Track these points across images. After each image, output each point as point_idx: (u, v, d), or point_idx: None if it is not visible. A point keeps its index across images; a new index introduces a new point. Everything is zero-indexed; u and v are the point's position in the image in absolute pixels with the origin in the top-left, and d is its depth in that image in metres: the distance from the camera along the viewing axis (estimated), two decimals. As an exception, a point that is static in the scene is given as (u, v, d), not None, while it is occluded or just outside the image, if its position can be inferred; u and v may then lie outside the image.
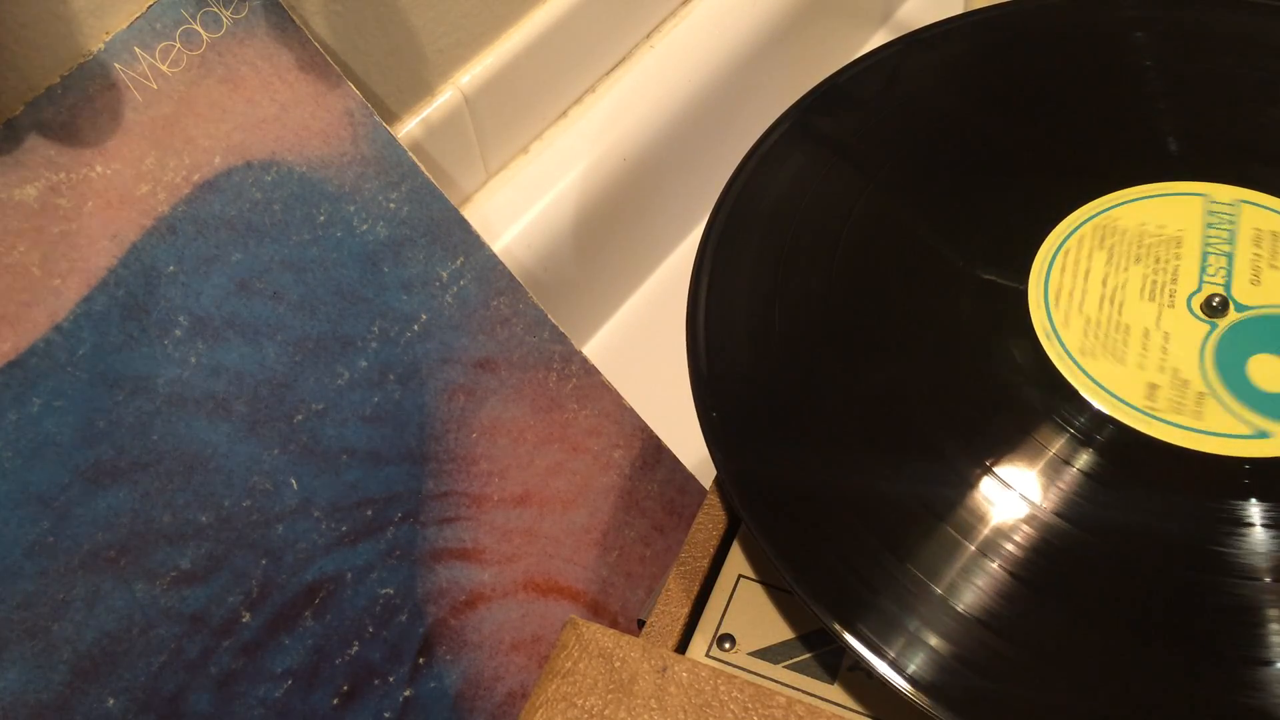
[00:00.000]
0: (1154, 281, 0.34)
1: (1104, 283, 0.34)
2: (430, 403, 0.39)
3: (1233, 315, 0.34)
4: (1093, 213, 0.37)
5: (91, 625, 0.32)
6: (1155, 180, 0.38)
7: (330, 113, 0.38)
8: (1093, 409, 0.32)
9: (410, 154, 0.40)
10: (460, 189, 0.48)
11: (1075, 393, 0.33)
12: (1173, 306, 0.34)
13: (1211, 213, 0.36)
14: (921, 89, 0.42)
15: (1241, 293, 0.34)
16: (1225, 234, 0.35)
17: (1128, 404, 0.32)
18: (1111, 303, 0.34)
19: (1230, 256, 0.35)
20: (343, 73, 0.39)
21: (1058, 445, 0.32)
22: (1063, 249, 0.35)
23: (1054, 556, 0.30)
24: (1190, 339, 0.33)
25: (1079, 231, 0.36)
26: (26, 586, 0.31)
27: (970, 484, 0.31)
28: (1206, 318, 0.34)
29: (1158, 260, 0.34)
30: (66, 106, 0.33)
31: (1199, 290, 0.34)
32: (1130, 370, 0.33)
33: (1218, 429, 0.31)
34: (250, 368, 0.35)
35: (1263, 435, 0.31)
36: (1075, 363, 0.33)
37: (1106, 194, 0.37)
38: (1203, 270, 0.35)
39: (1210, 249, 0.35)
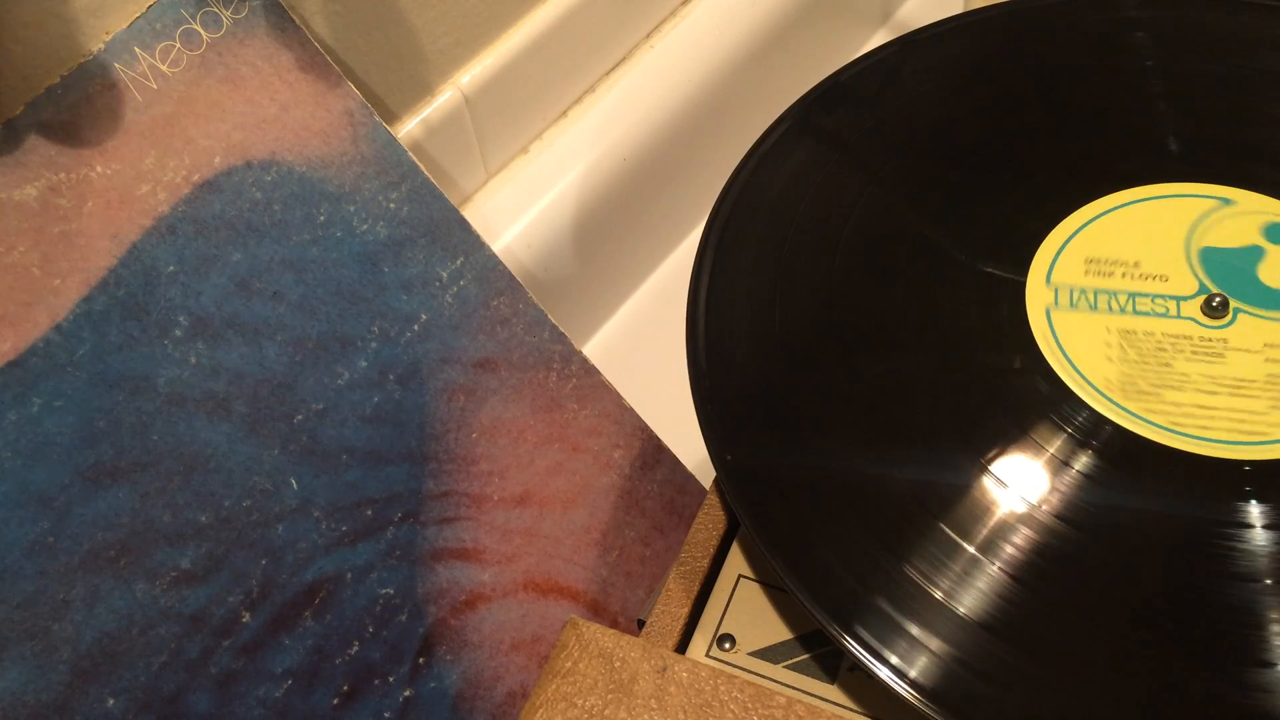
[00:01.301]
0: (1197, 353, 0.33)
1: (1214, 389, 0.33)
2: (430, 403, 0.39)
3: (1227, 296, 0.34)
4: (1093, 214, 0.37)
5: (91, 625, 0.32)
6: (1155, 180, 0.38)
7: (330, 113, 0.38)
8: (1091, 410, 0.32)
9: (410, 154, 0.40)
10: (460, 189, 0.48)
11: (1074, 394, 0.33)
12: (1226, 340, 0.33)
13: (1075, 305, 0.35)
14: (921, 88, 0.42)
15: (1184, 289, 0.35)
16: (1105, 295, 0.35)
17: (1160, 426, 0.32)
18: (1242, 384, 0.32)
19: (1137, 294, 0.35)
20: (343, 73, 0.39)
21: (1057, 445, 0.32)
22: (1052, 275, 0.35)
23: (1053, 557, 0.30)
24: (1264, 326, 0.33)
25: (1065, 252, 0.35)
26: (26, 586, 0.31)
27: (970, 484, 0.31)
28: (1227, 317, 0.34)
29: (1164, 350, 0.33)
30: (66, 106, 0.33)
31: (1193, 320, 0.34)
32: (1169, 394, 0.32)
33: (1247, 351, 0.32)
34: (250, 368, 0.35)
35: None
36: (1106, 397, 0.32)
37: (1107, 194, 0.37)
38: (1164, 316, 0.34)
39: (1131, 309, 0.35)
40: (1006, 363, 0.34)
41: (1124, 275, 0.35)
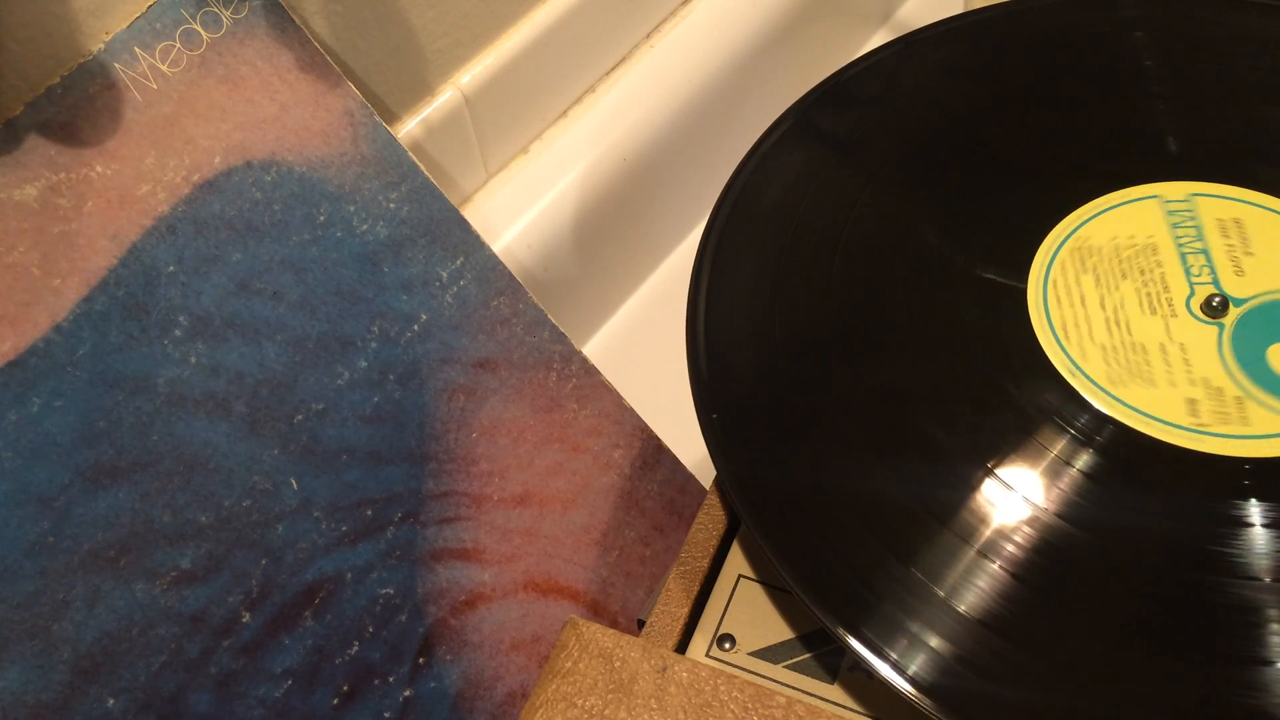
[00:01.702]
0: (1148, 294, 0.34)
1: (1102, 306, 0.34)
2: (430, 403, 0.39)
3: (1234, 312, 0.34)
4: (1092, 214, 0.37)
5: (91, 625, 0.32)
6: (1155, 180, 0.38)
7: (330, 113, 0.38)
8: (1094, 409, 0.32)
9: (410, 154, 0.40)
10: (460, 189, 0.48)
11: (1076, 393, 0.33)
12: (1175, 315, 0.34)
13: (1171, 213, 0.35)
14: (921, 89, 0.42)
15: (1231, 286, 0.34)
16: (1192, 231, 0.35)
17: (1176, 425, 0.32)
18: (1118, 325, 0.33)
19: (1206, 253, 0.35)
20: (343, 73, 0.39)
21: (1058, 446, 0.32)
22: (1049, 280, 0.35)
23: (1054, 557, 0.30)
24: (1205, 344, 0.33)
25: (1058, 258, 0.35)
26: (26, 586, 0.31)
27: (970, 484, 0.31)
28: (1210, 319, 0.34)
29: (1142, 272, 0.34)
30: (66, 106, 0.33)
31: (1192, 293, 0.34)
32: (1164, 391, 0.32)
33: (1266, 430, 0.31)
34: (250, 368, 0.35)
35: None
36: (1109, 394, 0.32)
37: (1107, 194, 0.37)
38: (1187, 272, 0.35)
39: (1185, 249, 0.35)
40: (1007, 362, 0.34)
41: (1229, 246, 0.36)
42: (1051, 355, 0.34)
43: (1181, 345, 0.33)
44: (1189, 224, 0.35)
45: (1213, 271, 0.35)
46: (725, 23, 0.56)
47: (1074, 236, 0.36)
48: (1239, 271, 0.35)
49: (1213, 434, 0.31)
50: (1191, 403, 0.32)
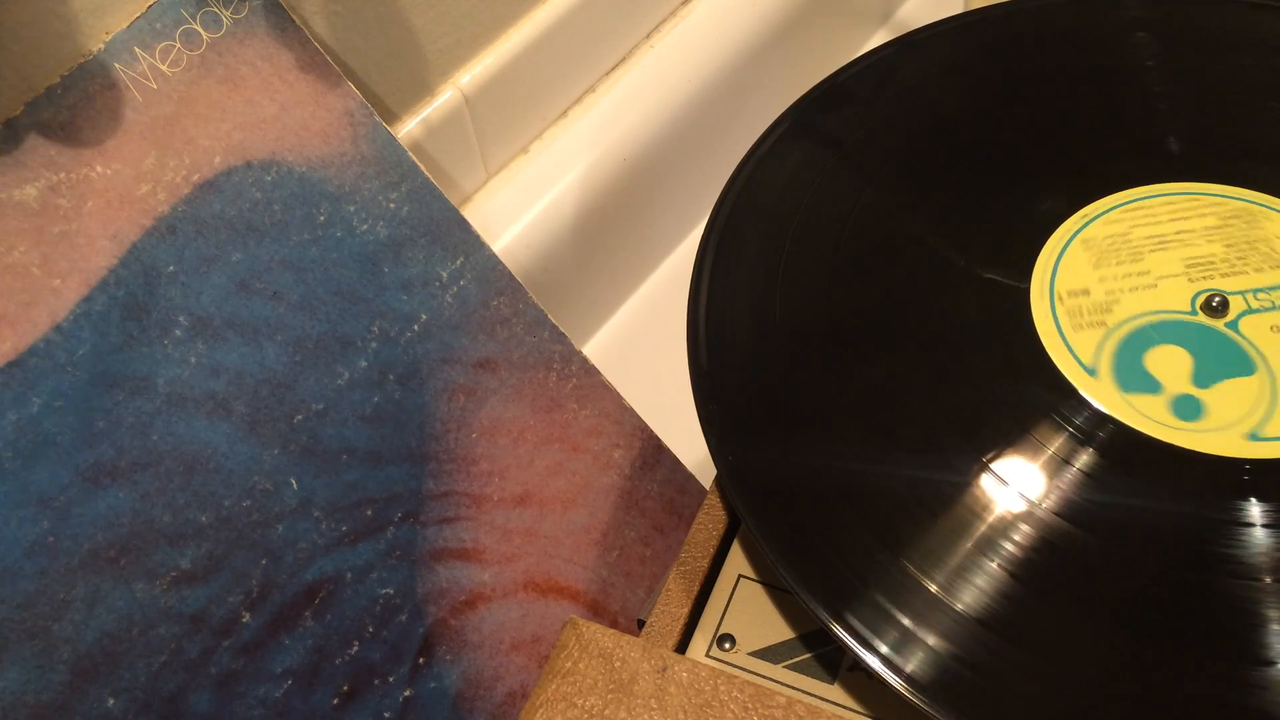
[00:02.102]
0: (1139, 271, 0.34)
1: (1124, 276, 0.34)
2: (430, 403, 0.39)
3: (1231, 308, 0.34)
4: (1093, 214, 0.37)
5: (91, 625, 0.32)
6: (1155, 180, 0.38)
7: (330, 113, 0.38)
8: (1093, 408, 0.32)
9: (410, 154, 0.40)
10: (460, 189, 0.48)
11: (1075, 391, 0.33)
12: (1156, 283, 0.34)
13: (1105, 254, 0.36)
14: (921, 88, 0.42)
15: (1235, 285, 0.35)
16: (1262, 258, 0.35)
17: (1174, 427, 0.32)
18: (1145, 276, 0.34)
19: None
20: (343, 73, 0.39)
21: (1057, 444, 0.32)
22: (1055, 279, 0.35)
23: (1053, 555, 0.30)
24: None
25: (1064, 259, 0.36)
26: (26, 586, 0.31)
27: (970, 483, 0.31)
28: (1211, 316, 0.34)
29: (1158, 248, 0.34)
30: (66, 106, 0.33)
31: (1195, 291, 0.35)
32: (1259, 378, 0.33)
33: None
34: (250, 368, 0.35)
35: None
36: (1119, 393, 0.33)
37: (1107, 194, 0.37)
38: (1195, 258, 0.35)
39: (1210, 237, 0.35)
40: (1006, 362, 0.34)
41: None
42: (1053, 352, 0.34)
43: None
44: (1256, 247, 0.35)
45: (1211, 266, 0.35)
46: (725, 23, 0.56)
47: (1084, 230, 0.36)
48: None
49: (1167, 425, 0.32)
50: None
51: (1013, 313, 0.35)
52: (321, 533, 0.36)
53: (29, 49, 0.32)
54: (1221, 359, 0.33)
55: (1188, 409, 0.32)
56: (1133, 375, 0.33)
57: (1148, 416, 0.32)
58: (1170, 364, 0.33)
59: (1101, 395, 0.32)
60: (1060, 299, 0.35)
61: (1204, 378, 0.33)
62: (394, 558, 0.37)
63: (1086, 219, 0.37)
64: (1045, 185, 0.38)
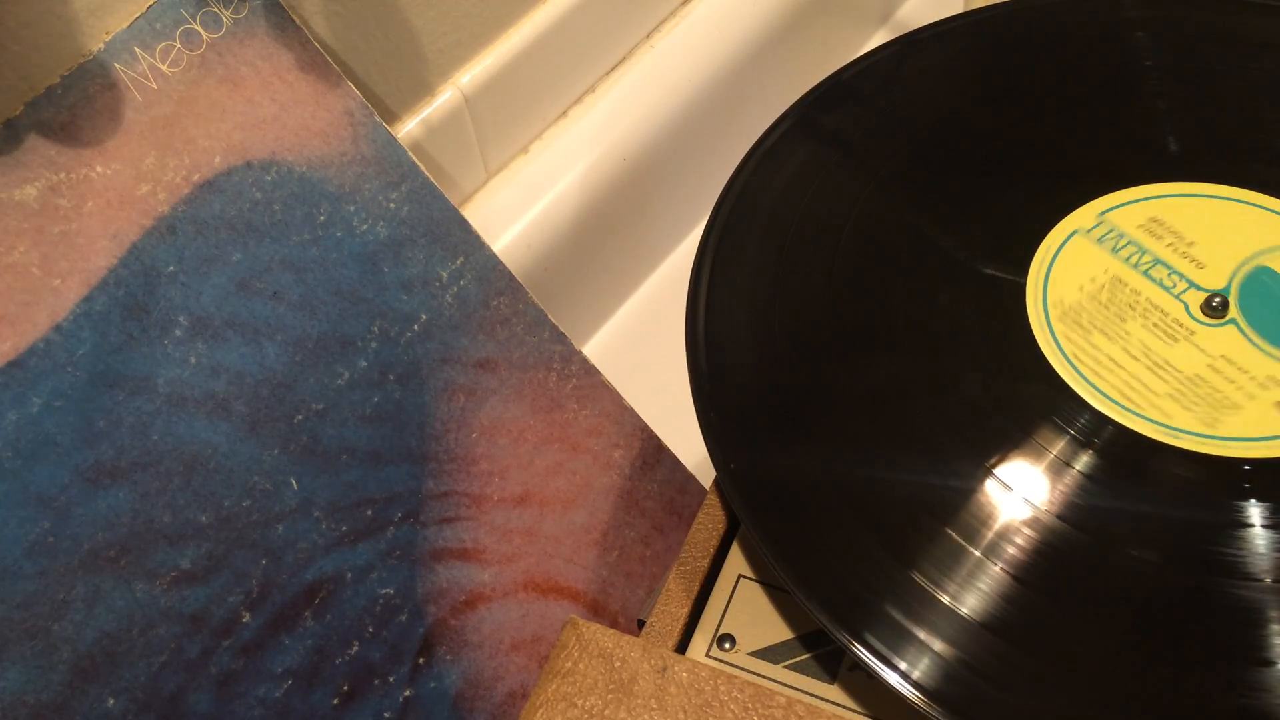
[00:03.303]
0: (1155, 325, 0.34)
1: (1134, 357, 0.33)
2: (430, 403, 0.39)
3: (1233, 304, 0.34)
4: (1127, 199, 0.37)
5: (91, 625, 0.32)
6: (1155, 180, 0.38)
7: (330, 113, 0.38)
8: (1093, 410, 0.32)
9: (410, 154, 0.40)
10: (460, 189, 0.48)
11: (1075, 395, 0.33)
12: (1193, 332, 0.34)
13: (1102, 240, 0.35)
14: (921, 88, 0.42)
15: (1206, 280, 0.35)
16: (1133, 248, 0.35)
17: (1176, 429, 0.32)
18: (1163, 368, 0.33)
19: (1162, 262, 0.35)
20: (343, 73, 0.39)
21: (1058, 447, 0.32)
22: (1049, 279, 0.35)
23: (1054, 558, 0.30)
24: (1237, 344, 0.33)
25: (1057, 261, 0.35)
26: (26, 586, 0.31)
27: (969, 485, 0.31)
28: (1220, 319, 0.34)
29: (1131, 307, 0.34)
30: (66, 106, 0.33)
31: (1186, 306, 0.34)
32: (1252, 407, 0.32)
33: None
34: (250, 368, 0.35)
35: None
36: (1204, 436, 0.32)
37: (1106, 194, 0.37)
38: (1163, 288, 0.35)
39: (1143, 268, 0.35)
40: (1007, 364, 0.34)
41: (1170, 245, 0.35)
42: (1051, 357, 0.34)
43: (1224, 356, 0.33)
44: (1125, 243, 0.35)
45: (1181, 276, 0.35)
46: (725, 23, 0.56)
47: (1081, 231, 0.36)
48: (1199, 264, 0.35)
49: (1213, 436, 0.31)
50: (1278, 405, 0.32)
51: (1012, 312, 0.35)
52: (321, 533, 0.36)
53: (29, 49, 0.32)
54: None
55: None
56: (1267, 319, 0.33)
57: (1060, 342, 0.32)
58: None
59: (1038, 311, 0.32)
60: (1096, 230, 0.34)
61: None
62: (394, 558, 0.37)
63: (1087, 217, 0.37)
64: (1044, 185, 0.38)
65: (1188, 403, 0.32)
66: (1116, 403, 0.32)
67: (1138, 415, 0.32)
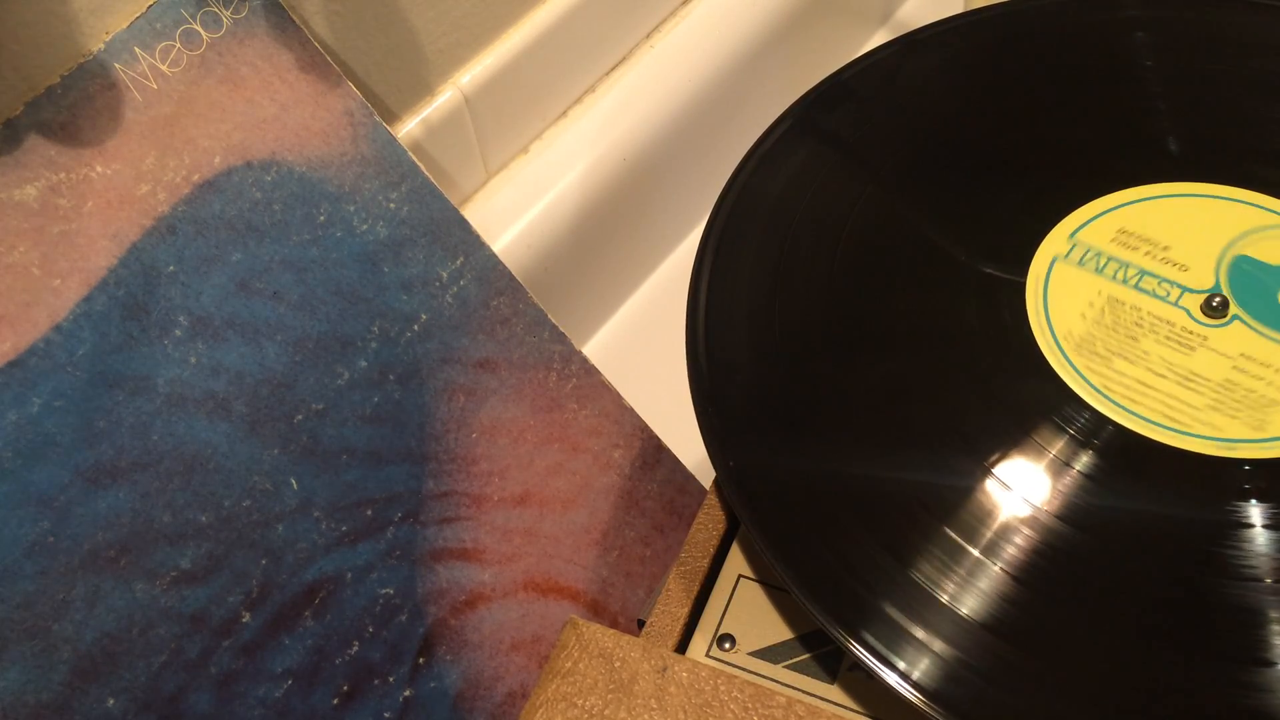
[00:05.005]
0: (1168, 339, 0.34)
1: (1162, 375, 0.33)
2: (430, 403, 0.39)
3: (1231, 300, 0.34)
4: (1093, 214, 0.37)
5: (91, 625, 0.32)
6: (1155, 180, 0.38)
7: (330, 113, 0.38)
8: (1093, 410, 0.32)
9: (410, 154, 0.40)
10: (460, 189, 0.48)
11: (1075, 394, 0.33)
12: (1205, 338, 0.34)
13: (1083, 262, 0.35)
14: (921, 88, 0.42)
15: (1196, 281, 0.35)
16: (1115, 265, 0.35)
17: (1176, 429, 0.32)
18: (1192, 379, 0.33)
19: (1148, 273, 0.35)
20: (343, 73, 0.39)
21: (1058, 447, 0.32)
22: (1050, 279, 0.35)
23: (1054, 558, 0.30)
24: (1249, 339, 0.33)
25: (1057, 264, 0.35)
26: (26, 586, 0.31)
27: (969, 485, 0.31)
28: (1224, 318, 0.34)
29: (1139, 325, 0.34)
30: (66, 106, 0.33)
31: (1187, 311, 0.34)
32: None
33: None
34: (250, 368, 0.35)
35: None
36: (1260, 441, 0.32)
37: (1107, 194, 0.37)
38: (1159, 298, 0.35)
39: (1132, 282, 0.35)
40: (1007, 363, 0.34)
41: (1147, 254, 0.35)
42: (1083, 393, 0.34)
43: (1243, 354, 0.33)
44: (1105, 261, 0.35)
45: (1171, 282, 0.35)
46: (725, 23, 0.56)
47: (1085, 227, 0.36)
48: (1182, 267, 0.35)
49: (1212, 437, 0.31)
50: None
51: (1012, 313, 0.35)
52: (321, 533, 0.36)
53: (29, 49, 0.32)
54: None
55: None
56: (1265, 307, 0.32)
57: (1085, 375, 0.32)
58: None
59: (1053, 348, 0.32)
60: (1073, 253, 0.34)
61: None
62: (394, 558, 0.37)
63: (1084, 220, 0.37)
64: (1044, 185, 0.38)
65: (1230, 410, 0.32)
66: (1166, 427, 0.32)
67: (1191, 435, 0.32)
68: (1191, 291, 0.35)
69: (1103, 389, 0.32)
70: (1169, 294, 0.35)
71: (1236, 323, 0.34)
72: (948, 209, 0.38)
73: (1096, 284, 0.35)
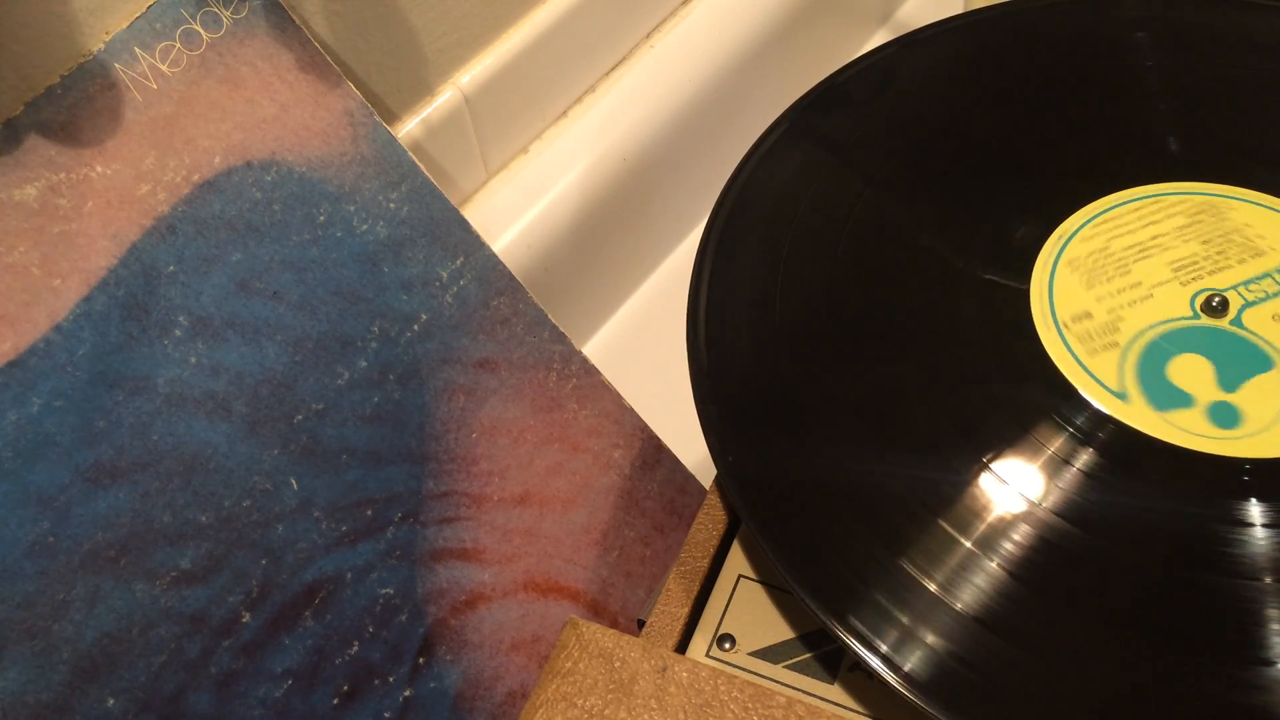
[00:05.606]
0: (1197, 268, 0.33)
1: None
2: (430, 403, 0.39)
3: (1229, 302, 0.34)
4: (1093, 214, 0.37)
5: (91, 625, 0.32)
6: (1155, 180, 0.38)
7: (330, 113, 0.38)
8: (1093, 408, 0.32)
9: (410, 154, 0.40)
10: (460, 189, 0.48)
11: (1075, 391, 0.33)
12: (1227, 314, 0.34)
13: (1082, 262, 0.35)
14: (921, 89, 0.42)
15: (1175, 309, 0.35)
16: (1117, 264, 0.35)
17: (1178, 427, 0.32)
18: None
19: (1139, 301, 0.35)
20: (343, 73, 0.39)
21: (1057, 444, 0.32)
22: (1054, 280, 0.35)
23: (1053, 555, 0.30)
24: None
25: (1061, 261, 0.35)
26: (26, 586, 0.31)
27: (969, 483, 0.31)
28: (1223, 319, 0.34)
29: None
30: (66, 106, 0.33)
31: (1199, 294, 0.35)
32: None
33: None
34: (250, 368, 0.35)
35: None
36: (1112, 393, 0.32)
37: (1107, 194, 0.37)
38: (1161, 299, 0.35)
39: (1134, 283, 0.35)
40: (1006, 362, 0.34)
41: (1145, 254, 0.36)
42: (1052, 351, 0.34)
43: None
44: (1108, 261, 0.35)
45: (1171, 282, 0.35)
46: (725, 23, 0.56)
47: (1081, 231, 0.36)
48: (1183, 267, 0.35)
49: (1211, 436, 0.31)
50: None
51: (1013, 313, 0.35)
52: (321, 533, 0.36)
53: (29, 49, 0.32)
54: (1239, 358, 0.33)
55: (1225, 416, 0.32)
56: (1162, 392, 0.32)
57: (1190, 432, 0.32)
58: (1193, 373, 0.33)
59: (1139, 418, 0.32)
60: (1066, 326, 0.34)
61: (1229, 381, 0.32)
62: (394, 558, 0.37)
63: (1085, 219, 0.37)
64: (1044, 185, 0.38)
65: None
66: (1058, 328, 0.33)
67: (1190, 433, 0.32)
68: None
69: (1104, 381, 0.33)
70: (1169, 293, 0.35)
71: (1228, 322, 0.34)
72: (947, 209, 0.38)
73: (1097, 284, 0.35)
